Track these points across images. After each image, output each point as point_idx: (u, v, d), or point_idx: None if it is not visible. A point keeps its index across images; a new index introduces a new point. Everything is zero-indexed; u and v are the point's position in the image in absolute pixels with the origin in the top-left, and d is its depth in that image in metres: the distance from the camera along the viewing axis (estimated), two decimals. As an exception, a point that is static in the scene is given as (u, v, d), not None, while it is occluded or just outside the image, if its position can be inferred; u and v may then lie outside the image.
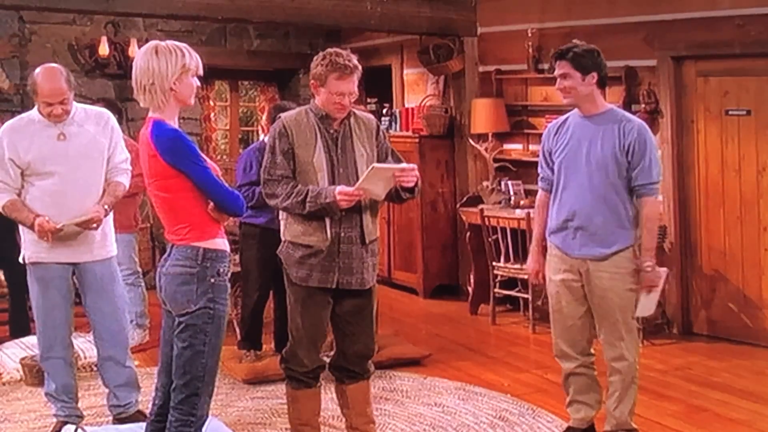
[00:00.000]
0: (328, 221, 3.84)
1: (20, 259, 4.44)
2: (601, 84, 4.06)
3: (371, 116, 4.12)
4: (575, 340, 4.20)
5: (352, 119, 3.97)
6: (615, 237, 4.01)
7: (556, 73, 4.07)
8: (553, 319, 4.27)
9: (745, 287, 6.19)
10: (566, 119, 4.19)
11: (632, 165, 3.96)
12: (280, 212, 4.02)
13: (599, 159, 3.99)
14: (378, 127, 4.06)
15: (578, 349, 4.20)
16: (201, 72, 3.37)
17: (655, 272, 4.01)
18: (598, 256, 4.02)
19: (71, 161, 4.29)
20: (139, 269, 6.42)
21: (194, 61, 3.32)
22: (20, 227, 4.41)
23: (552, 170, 4.19)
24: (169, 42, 3.33)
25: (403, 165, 3.92)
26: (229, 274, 3.43)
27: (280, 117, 4.03)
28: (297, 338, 3.98)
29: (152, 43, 3.33)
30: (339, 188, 3.77)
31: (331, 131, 3.91)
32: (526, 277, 6.72)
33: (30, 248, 4.36)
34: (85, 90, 8.15)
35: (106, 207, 4.35)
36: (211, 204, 3.31)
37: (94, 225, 4.30)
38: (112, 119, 4.51)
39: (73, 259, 4.37)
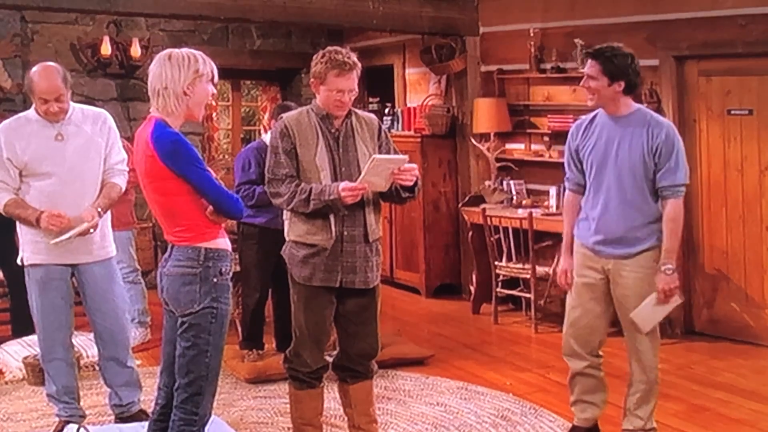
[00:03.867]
0: (332, 219, 3.84)
1: (18, 261, 4.43)
2: (628, 91, 4.00)
3: (373, 116, 4.13)
4: (588, 339, 4.18)
5: (353, 118, 3.97)
6: (641, 237, 4.00)
7: (585, 70, 4.04)
8: (568, 317, 4.23)
9: (748, 287, 6.19)
10: (594, 117, 4.15)
11: (659, 166, 3.93)
12: (284, 212, 4.01)
13: (627, 161, 3.97)
14: (380, 126, 4.06)
15: (588, 349, 4.19)
16: (216, 78, 3.40)
17: (673, 276, 3.94)
18: (624, 254, 4.01)
19: (68, 162, 4.28)
20: (138, 266, 6.42)
21: (208, 67, 3.36)
22: (18, 229, 4.40)
23: (580, 171, 4.16)
24: (184, 50, 3.36)
25: (403, 156, 3.92)
26: (231, 273, 3.43)
27: (281, 117, 4.04)
28: (300, 338, 3.98)
29: (167, 50, 3.36)
30: (343, 184, 3.77)
31: (333, 130, 3.91)
32: (528, 276, 6.74)
33: (29, 250, 4.34)
34: (87, 90, 8.16)
35: (99, 210, 4.33)
36: (210, 207, 3.31)
37: (91, 230, 4.30)
38: (110, 120, 4.51)
39: (72, 260, 4.37)
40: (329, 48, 3.92)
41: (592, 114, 4.17)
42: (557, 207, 6.76)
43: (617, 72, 3.94)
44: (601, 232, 4.05)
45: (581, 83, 4.09)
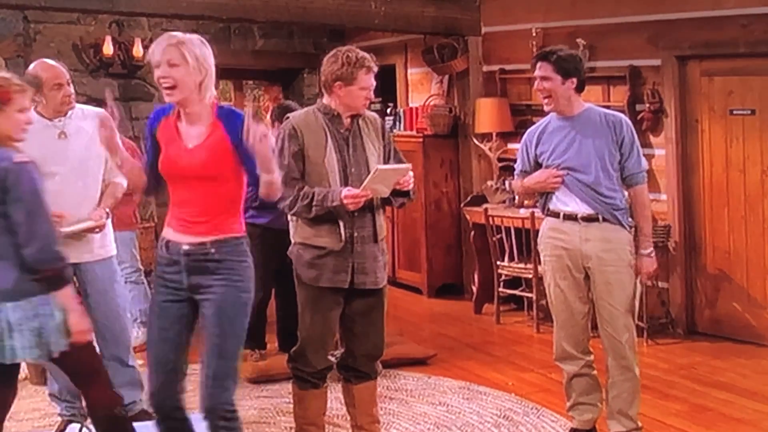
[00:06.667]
0: (341, 223, 3.82)
1: None
2: (579, 89, 4.13)
3: (376, 114, 4.12)
4: (579, 339, 4.22)
5: (360, 118, 3.96)
6: (614, 227, 4.10)
7: (537, 74, 4.13)
8: (557, 320, 4.27)
9: (750, 287, 6.18)
10: (546, 124, 4.24)
11: (625, 157, 4.10)
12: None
13: (594, 156, 4.07)
14: (383, 125, 4.05)
15: (581, 348, 4.23)
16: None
17: (654, 258, 4.17)
18: (600, 247, 4.08)
19: (71, 161, 4.29)
20: (141, 267, 6.43)
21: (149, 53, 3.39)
22: None
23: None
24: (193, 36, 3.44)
25: (406, 166, 3.92)
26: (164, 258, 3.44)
27: (287, 118, 4.01)
28: (306, 339, 3.97)
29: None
30: (345, 191, 3.75)
31: (342, 131, 3.90)
32: (530, 276, 6.74)
33: None
34: (89, 90, 8.16)
35: (107, 210, 4.35)
36: None
37: (96, 230, 4.31)
38: (109, 119, 4.50)
39: (73, 260, 4.33)
40: (342, 49, 3.89)
41: (544, 121, 4.27)
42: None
43: (569, 69, 4.05)
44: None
45: (535, 86, 4.20)
